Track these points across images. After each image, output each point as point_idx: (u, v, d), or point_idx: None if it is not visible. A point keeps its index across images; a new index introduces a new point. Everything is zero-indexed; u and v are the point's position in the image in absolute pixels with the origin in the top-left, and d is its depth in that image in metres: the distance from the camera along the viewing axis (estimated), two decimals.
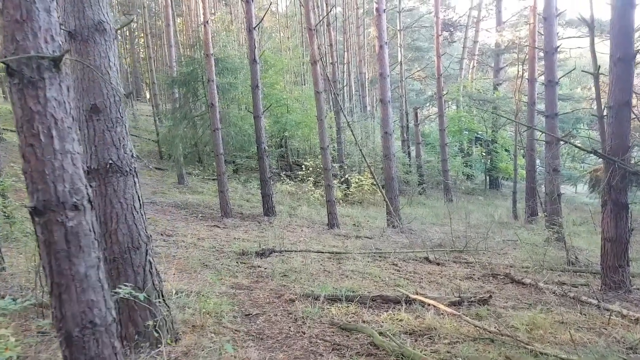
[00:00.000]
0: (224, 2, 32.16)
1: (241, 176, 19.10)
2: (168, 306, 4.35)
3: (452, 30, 32.86)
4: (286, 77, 25.95)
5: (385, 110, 12.60)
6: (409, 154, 25.35)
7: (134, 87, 35.08)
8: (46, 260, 2.20)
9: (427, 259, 9.23)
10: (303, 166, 17.61)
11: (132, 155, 3.97)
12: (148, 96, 28.15)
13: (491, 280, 7.79)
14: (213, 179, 16.32)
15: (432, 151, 27.09)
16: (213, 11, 29.52)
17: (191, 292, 6.05)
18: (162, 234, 10.33)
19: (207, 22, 11.71)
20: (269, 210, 12.85)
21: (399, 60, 24.18)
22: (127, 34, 34.02)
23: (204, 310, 5.40)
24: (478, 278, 7.86)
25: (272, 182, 16.72)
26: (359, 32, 28.02)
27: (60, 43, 2.39)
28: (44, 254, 2.21)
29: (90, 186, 2.45)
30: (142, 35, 28.43)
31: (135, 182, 3.99)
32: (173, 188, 16.06)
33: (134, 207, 3.98)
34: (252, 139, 15.02)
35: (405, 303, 5.91)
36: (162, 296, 4.27)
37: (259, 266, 7.97)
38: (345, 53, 30.96)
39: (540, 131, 11.09)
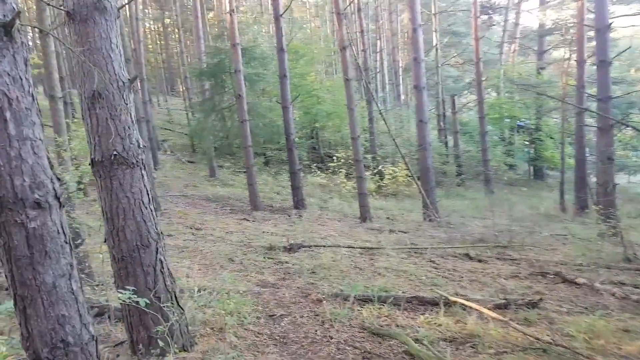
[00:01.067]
0: None
1: (272, 168, 18.83)
2: (182, 308, 4.00)
3: (491, 13, 31.47)
4: (317, 67, 25.46)
5: (419, 96, 11.97)
6: (446, 143, 24.45)
7: (168, 82, 35.42)
8: (7, 269, 1.85)
9: (467, 255, 8.63)
10: (334, 158, 17.13)
11: (139, 146, 3.62)
12: (182, 90, 28.31)
13: (540, 279, 7.14)
14: (244, 172, 16.09)
15: (471, 140, 26.03)
16: (243, 3, 29.34)
17: (214, 289, 5.73)
18: (191, 228, 10.13)
19: (233, 10, 11.38)
20: (299, 203, 12.48)
21: (435, 46, 23.26)
22: (162, 30, 34.30)
23: (225, 310, 5.06)
24: (525, 277, 7.22)
25: (302, 174, 16.38)
26: (392, 18, 27.21)
27: (14, 7, 1.98)
28: (3, 261, 1.85)
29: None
30: (176, 30, 28.48)
31: (143, 175, 3.64)
32: (204, 181, 15.94)
33: (142, 201, 3.64)
34: (281, 130, 14.63)
35: (444, 305, 5.39)
36: (176, 298, 3.93)
37: (286, 262, 7.60)
38: (378, 41, 30.21)
39: (597, 113, 10.20)
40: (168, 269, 3.88)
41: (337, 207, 13.25)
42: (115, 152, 3.47)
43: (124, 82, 3.52)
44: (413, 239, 10.12)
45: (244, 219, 11.32)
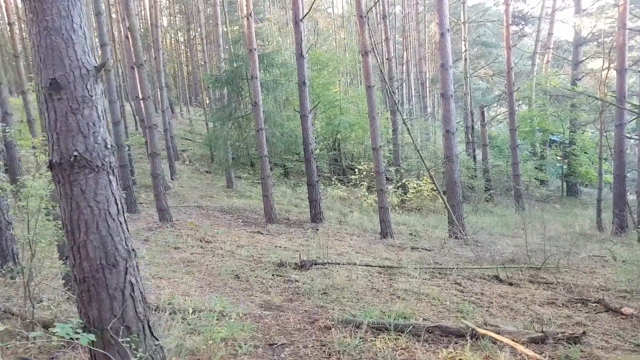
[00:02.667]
0: (279, 4, 31.76)
1: (291, 180, 18.28)
2: (156, 339, 3.40)
3: (523, 24, 30.51)
4: (342, 78, 24.96)
5: (446, 105, 11.25)
6: (474, 157, 23.49)
7: (192, 93, 35.49)
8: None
9: (497, 277, 7.84)
10: (356, 170, 16.46)
11: (107, 146, 3.06)
12: (203, 100, 28.27)
13: (579, 307, 6.31)
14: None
15: (500, 154, 25.03)
16: (269, 12, 29.18)
17: (211, 310, 5.14)
18: (200, 240, 9.63)
19: (250, 14, 10.94)
20: (317, 216, 11.85)
21: (463, 56, 22.48)
22: (187, 41, 34.49)
23: (217, 337, 4.45)
24: (562, 304, 6.41)
25: (322, 187, 15.79)
26: (419, 28, 26.51)
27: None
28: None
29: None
30: (199, 41, 28.50)
31: (110, 181, 3.08)
32: (221, 192, 15.49)
33: (109, 212, 3.06)
34: (299, 140, 14.09)
35: (471, 338, 4.66)
36: (149, 327, 3.33)
37: (296, 280, 6.96)
38: (405, 52, 29.60)
39: None
40: (141, 293, 3.28)
41: (356, 222, 12.56)
42: (76, 153, 2.92)
43: (88, 70, 2.98)
44: (437, 257, 9.36)
45: (258, 232, 10.75)
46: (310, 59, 20.77)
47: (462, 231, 11.13)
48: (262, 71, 14.50)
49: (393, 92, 15.40)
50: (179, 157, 19.80)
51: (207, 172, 18.27)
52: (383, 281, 7.32)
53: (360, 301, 6.14)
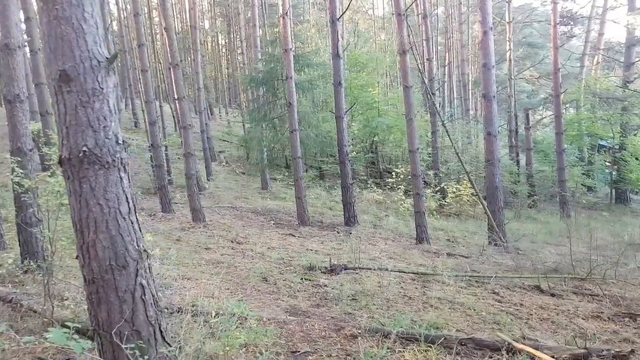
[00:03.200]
0: (319, 6, 31.71)
1: (326, 182, 18.08)
2: (169, 344, 3.25)
3: (572, 24, 29.22)
4: (380, 80, 24.61)
5: (489, 107, 10.77)
6: (518, 161, 22.59)
7: (232, 95, 35.94)
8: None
9: (538, 287, 7.36)
10: (393, 173, 16.08)
11: (118, 142, 2.93)
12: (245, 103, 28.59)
13: (627, 322, 5.80)
14: None
15: (545, 159, 23.96)
16: (310, 14, 29.16)
17: (234, 314, 4.98)
18: (232, 241, 9.56)
19: (286, 14, 10.84)
20: (350, 219, 11.59)
21: (508, 57, 21.69)
22: (227, 44, 34.96)
23: (236, 343, 4.28)
24: (608, 318, 5.91)
25: (357, 190, 15.52)
26: (461, 29, 25.86)
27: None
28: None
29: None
30: (238, 42, 28.80)
31: (121, 178, 2.95)
32: (256, 193, 15.47)
33: (119, 211, 2.93)
34: (334, 142, 13.86)
35: (507, 352, 4.31)
36: (161, 332, 3.18)
37: (325, 285, 6.74)
38: (446, 53, 28.94)
39: None
40: (153, 296, 3.14)
41: (391, 226, 12.21)
42: (85, 149, 2.80)
43: (99, 62, 2.86)
44: (475, 265, 8.91)
45: (290, 234, 10.60)
46: (348, 61, 20.57)
47: (502, 238, 10.61)
48: (297, 72, 14.37)
49: (432, 94, 14.95)
50: (215, 158, 19.96)
51: (242, 173, 18.33)
52: (416, 288, 7.00)
53: (390, 309, 5.85)
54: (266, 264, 7.92)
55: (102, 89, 2.87)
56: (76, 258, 3.08)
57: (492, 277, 7.74)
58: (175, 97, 10.70)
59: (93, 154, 2.82)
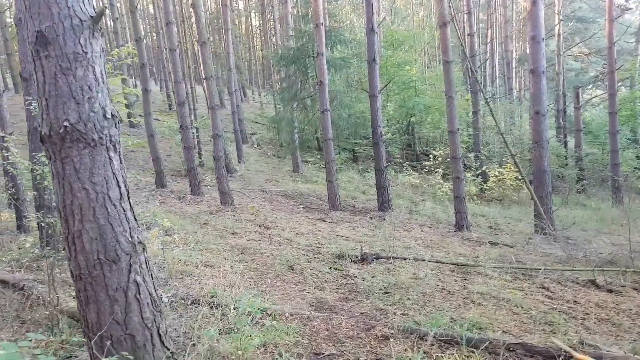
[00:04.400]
0: None
1: (359, 165, 17.47)
2: (167, 349, 2.83)
3: None
4: (418, 59, 23.59)
5: (537, 83, 9.88)
6: (566, 143, 21.29)
7: (267, 77, 35.50)
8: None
9: (592, 282, 6.64)
10: (431, 156, 15.29)
11: (106, 116, 2.48)
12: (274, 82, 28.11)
13: None
14: None
15: (595, 141, 22.51)
16: None
17: (254, 307, 4.56)
18: (259, 226, 9.18)
19: None
20: (384, 204, 11.01)
21: (556, 32, 20.30)
22: (261, 25, 34.44)
23: (253, 343, 3.85)
24: None
25: (392, 173, 14.86)
26: (505, 3, 24.40)
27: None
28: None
29: None
30: (272, 22, 28.23)
31: (111, 159, 2.50)
32: (287, 176, 15.06)
33: (109, 196, 2.50)
34: (367, 122, 13.20)
35: None
36: (159, 335, 2.76)
37: (355, 276, 6.23)
38: (489, 30, 27.52)
39: None
40: (150, 295, 2.71)
41: (428, 211, 11.55)
42: (66, 124, 2.36)
43: (82, 21, 2.40)
44: (520, 255, 8.21)
45: (320, 219, 10.13)
46: (384, 38, 19.71)
47: (550, 226, 9.79)
48: (329, 48, 13.70)
49: (475, 71, 14.02)
50: (247, 140, 19.65)
51: (274, 155, 17.96)
52: (456, 281, 6.41)
53: (427, 304, 5.31)
54: (293, 250, 7.48)
55: (86, 53, 2.41)
56: (63, 250, 2.69)
57: (540, 269, 7.05)
58: (203, 76, 10.31)
59: (76, 130, 2.38)
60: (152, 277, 2.75)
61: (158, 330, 2.73)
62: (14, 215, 7.73)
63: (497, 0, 26.95)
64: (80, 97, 2.40)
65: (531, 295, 5.99)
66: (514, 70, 27.71)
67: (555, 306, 5.62)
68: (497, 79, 27.80)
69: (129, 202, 2.62)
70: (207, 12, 31.23)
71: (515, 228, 10.92)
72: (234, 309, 4.51)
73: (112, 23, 18.63)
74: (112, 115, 2.50)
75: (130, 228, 2.61)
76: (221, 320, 4.30)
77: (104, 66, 2.51)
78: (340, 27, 14.71)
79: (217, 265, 6.35)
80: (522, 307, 5.41)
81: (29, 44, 2.41)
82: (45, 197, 5.68)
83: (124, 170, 2.58)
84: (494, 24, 27.40)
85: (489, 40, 27.03)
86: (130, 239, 2.60)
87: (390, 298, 5.41)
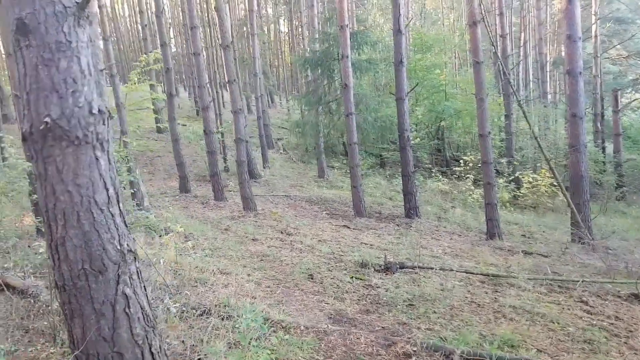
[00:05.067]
0: None
1: (387, 171, 17.07)
2: None
3: None
4: (448, 61, 23.08)
5: (574, 84, 9.35)
6: (604, 148, 20.34)
7: (294, 83, 35.47)
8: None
9: (636, 295, 6.14)
10: (461, 161, 14.77)
11: (93, 112, 2.26)
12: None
13: None
14: None
15: (634, 147, 21.47)
16: None
17: (267, 320, 4.31)
18: (281, 232, 8.94)
19: None
20: (411, 211, 10.62)
21: (593, 33, 19.48)
22: (290, 31, 34.50)
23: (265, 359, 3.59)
24: None
25: (420, 178, 14.40)
26: (539, 5, 23.61)
27: None
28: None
29: None
30: (299, 28, 28.23)
31: (97, 158, 2.28)
32: (312, 182, 14.82)
33: (94, 200, 2.28)
34: (394, 126, 12.82)
35: None
36: (152, 354, 2.51)
37: (377, 286, 5.90)
38: (522, 33, 26.71)
39: None
40: (141, 309, 2.47)
41: (458, 219, 11.09)
42: (48, 119, 2.15)
43: (65, 7, 2.19)
44: (556, 266, 7.70)
45: (345, 226, 9.82)
46: (413, 41, 19.34)
47: (588, 235, 9.22)
48: (354, 51, 13.40)
49: (508, 73, 13.47)
50: (273, 145, 19.54)
51: (300, 161, 17.76)
52: (486, 293, 6.00)
53: (454, 319, 4.94)
54: (315, 258, 7.20)
55: (70, 42, 2.21)
56: (48, 258, 2.48)
57: (578, 281, 6.56)
58: (226, 80, 10.19)
59: (58, 127, 2.17)
60: (144, 289, 2.52)
61: (150, 348, 2.49)
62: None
63: (531, 2, 26.16)
64: (64, 91, 2.18)
65: (568, 309, 5.54)
66: (548, 73, 26.79)
67: (594, 322, 5.18)
68: (531, 83, 26.93)
69: (119, 207, 2.39)
70: (235, 19, 31.51)
71: (550, 237, 10.35)
72: (247, 320, 4.26)
73: (141, 30, 18.85)
74: (100, 110, 2.28)
75: (119, 235, 2.38)
76: (232, 332, 4.05)
77: (93, 57, 2.29)
78: (367, 29, 14.36)
79: (234, 272, 6.12)
80: (558, 323, 4.99)
81: (10, 32, 2.22)
82: None
83: (114, 171, 2.36)
84: (527, 26, 26.60)
85: (522, 43, 26.22)
86: (118, 247, 2.37)
87: (415, 311, 5.07)
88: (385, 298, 5.42)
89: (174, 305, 4.14)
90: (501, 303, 5.56)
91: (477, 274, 6.66)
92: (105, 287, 2.32)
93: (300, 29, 27.31)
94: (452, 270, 6.51)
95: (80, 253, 2.26)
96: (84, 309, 2.31)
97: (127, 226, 2.43)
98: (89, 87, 2.26)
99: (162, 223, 8.73)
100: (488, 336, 4.45)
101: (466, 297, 5.69)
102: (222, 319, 4.34)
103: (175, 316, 4.18)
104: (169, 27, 36.75)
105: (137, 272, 2.46)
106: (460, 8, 31.98)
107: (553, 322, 5.01)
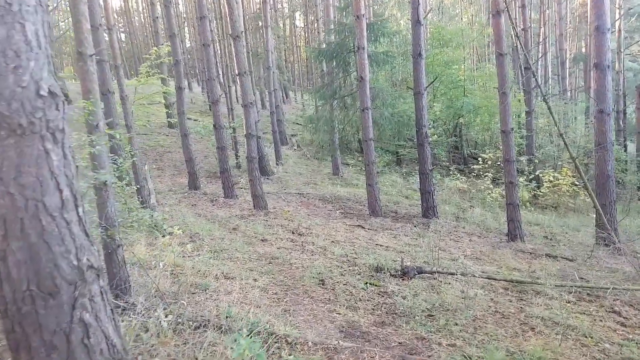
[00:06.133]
0: None
1: (403, 168, 16.57)
2: None
3: None
4: (467, 57, 22.43)
5: (601, 78, 8.79)
6: (626, 147, 19.60)
7: (310, 79, 35.02)
8: None
9: None
10: (480, 159, 14.21)
11: (41, 93, 1.86)
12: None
13: None
14: None
15: None
16: None
17: (272, 334, 3.92)
18: (292, 232, 8.55)
19: None
20: (429, 210, 10.15)
21: (617, 28, 18.72)
22: (305, 26, 34.06)
23: None
24: None
25: (438, 176, 13.89)
26: (559, 0, 22.87)
27: None
28: None
29: None
30: (315, 23, 27.72)
31: (47, 152, 1.88)
32: (326, 179, 14.39)
33: (43, 204, 1.88)
34: (412, 122, 12.31)
35: None
36: None
37: (394, 293, 5.48)
38: (541, 29, 25.91)
39: None
40: (106, 339, 2.08)
41: (477, 219, 10.59)
42: None
43: None
44: (583, 271, 7.21)
45: (359, 225, 9.40)
46: (431, 36, 18.78)
47: (615, 237, 8.66)
48: (371, 42, 12.89)
49: (528, 68, 12.85)
50: (287, 141, 19.15)
51: (314, 157, 17.34)
52: (510, 302, 5.55)
53: (478, 332, 4.51)
54: (327, 261, 6.80)
55: (10, 4, 1.80)
56: None
57: (608, 289, 6.07)
58: (236, 72, 9.81)
59: None
60: (111, 313, 2.12)
61: None
62: None
63: None
64: (3, 67, 1.78)
65: (600, 321, 5.09)
66: (567, 70, 25.98)
67: (630, 336, 4.73)
68: (550, 80, 26.15)
69: (77, 212, 1.98)
70: (249, 13, 31.14)
71: (573, 239, 9.82)
72: (249, 335, 3.87)
73: (152, 22, 18.57)
74: (51, 92, 1.87)
75: (76, 248, 1.97)
76: (231, 349, 3.66)
77: (43, 26, 1.88)
78: (384, 19, 13.82)
79: (239, 277, 5.75)
80: (591, 338, 4.55)
81: None
82: None
83: (71, 168, 1.95)
84: (547, 22, 25.82)
85: (541, 40, 25.44)
86: (75, 263, 1.96)
87: (435, 323, 4.64)
88: (402, 308, 5.00)
89: (165, 320, 3.75)
90: (528, 313, 5.12)
91: (500, 279, 6.20)
92: (58, 313, 1.92)
93: (316, 24, 26.81)
94: (474, 275, 6.05)
95: (25, 271, 1.86)
96: (31, 340, 1.92)
97: (88, 236, 2.03)
98: (37, 62, 1.86)
99: (167, 222, 8.42)
100: (516, 353, 4.04)
101: (490, 307, 5.26)
102: (221, 332, 3.97)
103: (168, 329, 3.81)
104: (184, 22, 36.56)
105: (101, 292, 2.07)
106: (478, 2, 31.25)
107: (586, 337, 4.58)
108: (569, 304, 5.52)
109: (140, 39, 37.90)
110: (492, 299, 5.54)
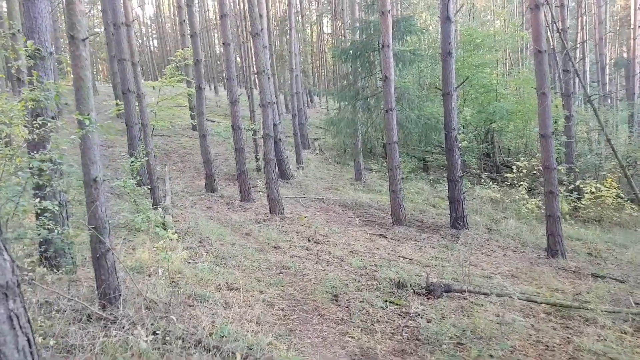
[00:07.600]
0: None
1: (430, 175, 15.72)
2: None
3: None
4: (499, 66, 21.47)
5: None
6: None
7: (335, 83, 34.47)
8: None
9: None
10: (513, 167, 13.28)
11: None
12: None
13: None
14: None
15: None
16: None
17: None
18: (308, 240, 7.91)
19: None
20: (458, 220, 9.35)
21: None
22: (333, 32, 33.55)
23: None
24: None
25: (468, 184, 13.01)
26: (600, 2, 21.68)
27: None
28: None
29: None
30: (340, 25, 27.21)
31: None
32: (348, 184, 13.72)
33: None
34: (440, 125, 11.50)
35: None
36: None
37: (417, 315, 4.77)
38: (579, 33, 24.70)
39: None
40: None
41: (512, 231, 9.71)
42: None
43: None
44: (636, 295, 6.31)
45: (380, 234, 8.69)
46: (461, 38, 17.92)
47: None
48: (397, 40, 12.16)
49: (574, 66, 11.87)
50: (309, 145, 18.57)
51: (337, 162, 16.69)
52: (554, 330, 4.77)
53: None
54: (343, 273, 6.13)
55: None
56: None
57: None
58: (255, 70, 9.27)
59: None
60: (27, 344, 1.52)
61: None
62: None
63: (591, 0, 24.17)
64: None
65: None
66: (607, 76, 24.63)
67: None
68: (588, 87, 24.86)
69: None
70: (275, 17, 30.87)
71: (622, 257, 8.84)
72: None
73: (179, 26, 18.37)
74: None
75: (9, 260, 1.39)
76: None
77: None
78: (411, 16, 13.06)
79: (244, 288, 5.13)
80: None
81: None
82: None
83: None
84: (585, 26, 24.60)
85: (578, 44, 24.22)
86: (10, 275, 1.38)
87: (465, 354, 3.92)
88: (426, 333, 4.29)
89: (146, 339, 3.15)
90: (577, 345, 4.34)
91: (541, 302, 5.40)
92: None
93: (342, 30, 26.27)
94: (510, 297, 5.27)
95: None
96: None
97: (5, 247, 1.45)
98: None
99: (176, 225, 7.91)
100: None
101: (530, 335, 4.50)
102: (212, 355, 3.35)
103: (149, 350, 3.21)
104: (213, 27, 36.58)
105: (10, 318, 1.47)
106: (511, 6, 30.16)
107: None
108: (625, 335, 4.70)
109: (171, 45, 38.17)
110: (532, 326, 4.77)
